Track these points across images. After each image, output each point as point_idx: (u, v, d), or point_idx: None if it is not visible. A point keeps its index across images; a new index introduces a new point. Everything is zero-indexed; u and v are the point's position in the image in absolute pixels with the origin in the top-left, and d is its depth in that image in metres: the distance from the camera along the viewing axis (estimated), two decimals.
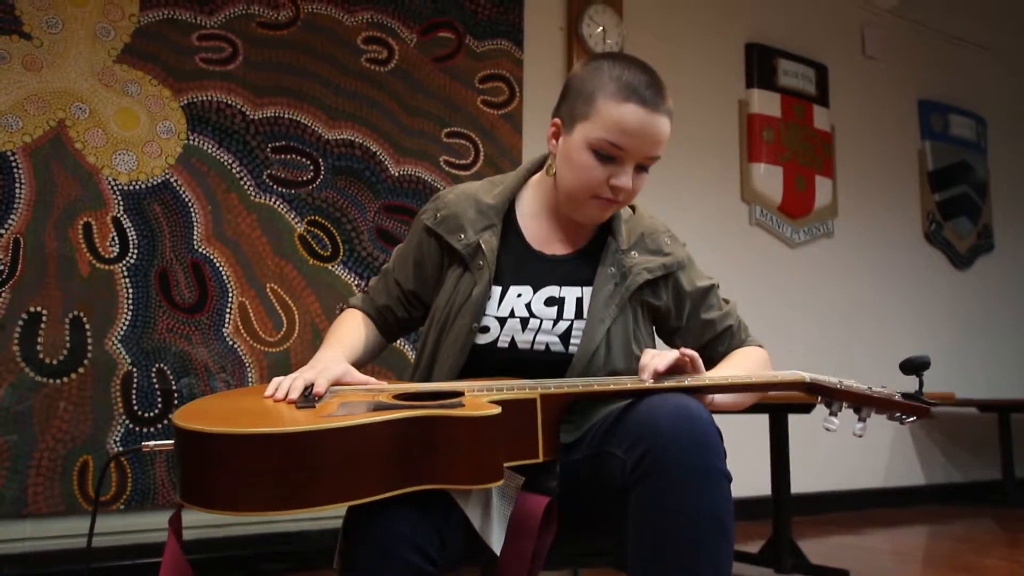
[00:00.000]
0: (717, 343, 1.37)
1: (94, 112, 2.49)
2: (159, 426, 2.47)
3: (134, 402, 2.45)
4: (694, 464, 1.02)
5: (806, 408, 2.67)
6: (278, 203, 2.75)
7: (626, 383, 1.13)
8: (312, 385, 1.08)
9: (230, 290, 2.64)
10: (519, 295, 1.27)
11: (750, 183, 4.05)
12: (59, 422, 2.33)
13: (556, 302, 1.27)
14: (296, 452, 0.88)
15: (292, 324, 2.72)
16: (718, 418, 1.12)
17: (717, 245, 3.82)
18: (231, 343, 2.62)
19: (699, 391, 1.14)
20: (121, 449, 2.38)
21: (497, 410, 0.98)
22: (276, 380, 1.11)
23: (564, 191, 1.28)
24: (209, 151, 2.65)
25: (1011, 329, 5.09)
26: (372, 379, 1.17)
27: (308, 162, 2.82)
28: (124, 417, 2.42)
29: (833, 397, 1.13)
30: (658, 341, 1.40)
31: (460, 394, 1.08)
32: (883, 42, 4.68)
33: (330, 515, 1.42)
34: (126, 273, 2.48)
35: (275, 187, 2.75)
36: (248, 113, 2.73)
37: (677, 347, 1.19)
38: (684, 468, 1.01)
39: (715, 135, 3.99)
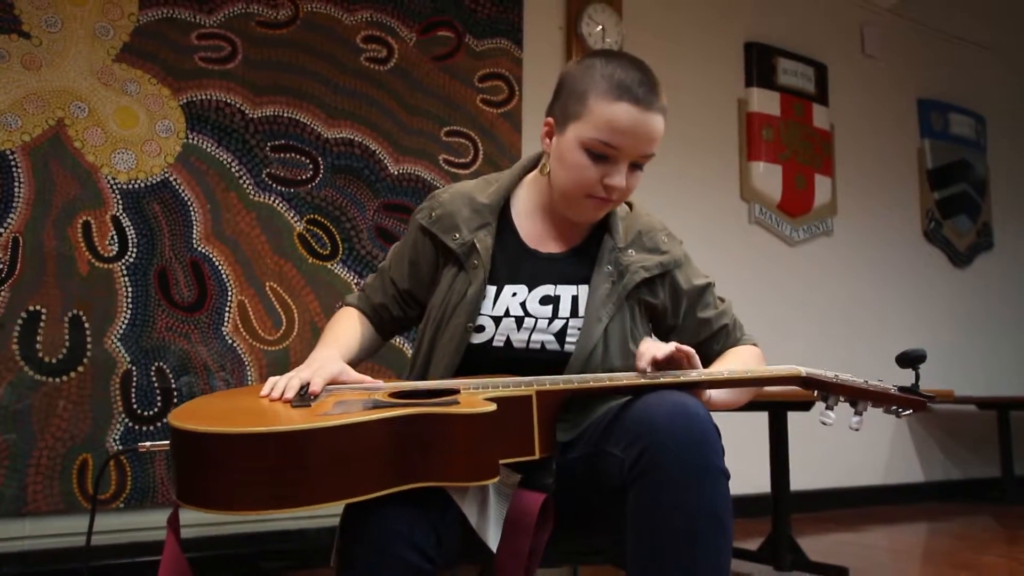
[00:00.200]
0: (712, 341, 1.37)
1: (93, 111, 2.49)
2: (158, 424, 2.48)
3: (133, 401, 2.45)
4: (692, 462, 1.02)
5: (805, 405, 2.67)
6: (277, 202, 2.76)
7: (622, 379, 1.13)
8: (308, 384, 1.09)
9: (229, 289, 2.64)
10: (514, 294, 1.27)
11: (749, 182, 4.05)
12: (58, 421, 2.34)
13: (551, 300, 1.27)
14: (292, 451, 0.88)
15: (291, 323, 2.73)
16: (717, 416, 1.12)
17: (716, 244, 3.83)
18: (230, 342, 2.62)
19: (696, 386, 1.14)
20: (119, 448, 2.38)
21: (492, 407, 0.98)
22: (272, 379, 1.11)
23: (558, 190, 1.28)
24: (208, 150, 2.66)
25: (1010, 327, 5.09)
26: (368, 377, 1.17)
27: (307, 161, 2.82)
28: (123, 415, 2.43)
29: (829, 391, 1.14)
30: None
31: (456, 392, 1.08)
32: (882, 41, 4.68)
33: (328, 513, 1.43)
34: (125, 272, 2.48)
35: (274, 186, 2.76)
36: (247, 112, 2.73)
37: None
38: (682, 466, 1.01)
39: (714, 134, 3.99)
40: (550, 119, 1.29)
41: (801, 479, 3.44)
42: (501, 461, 1.01)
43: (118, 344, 2.45)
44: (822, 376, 1.13)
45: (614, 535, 1.12)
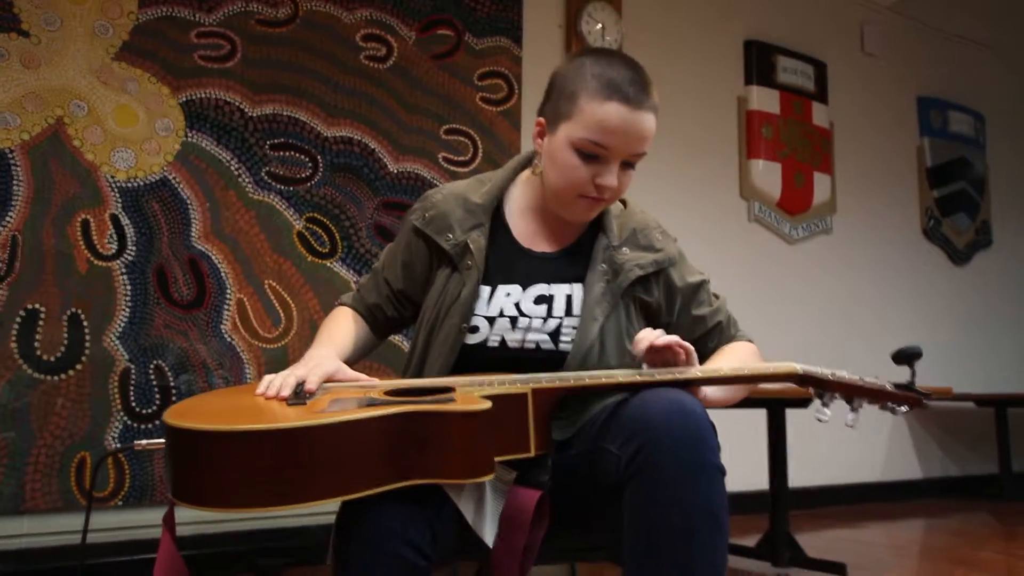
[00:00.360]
0: (707, 339, 1.37)
1: (92, 109, 2.50)
2: (157, 422, 2.48)
3: (132, 398, 2.45)
4: (688, 459, 1.02)
5: (804, 402, 2.67)
6: (277, 200, 2.76)
7: (618, 376, 1.13)
8: (304, 382, 1.09)
9: (228, 287, 2.64)
10: (508, 294, 1.27)
11: (749, 179, 4.05)
12: (57, 419, 2.34)
13: (545, 300, 1.27)
14: (287, 449, 0.88)
15: (290, 321, 2.73)
16: (714, 412, 1.12)
17: (716, 241, 3.83)
18: (229, 340, 2.62)
19: (692, 383, 1.14)
20: (117, 447, 2.38)
21: (488, 405, 0.98)
22: (267, 377, 1.11)
23: (550, 190, 1.28)
24: (207, 148, 2.66)
25: (1009, 324, 5.09)
26: (363, 375, 1.17)
27: (307, 159, 2.83)
28: (122, 413, 2.43)
29: (825, 388, 1.14)
30: None
31: (451, 389, 1.08)
32: (882, 39, 4.67)
33: (326, 510, 1.43)
34: (124, 270, 2.48)
35: (274, 184, 2.76)
36: (247, 110, 2.74)
37: None
38: (678, 463, 1.01)
39: (714, 132, 3.99)
40: (541, 119, 1.29)
41: (799, 476, 3.45)
42: (497, 458, 1.02)
43: (117, 342, 2.45)
44: (818, 373, 1.13)
45: (611, 532, 1.12)
